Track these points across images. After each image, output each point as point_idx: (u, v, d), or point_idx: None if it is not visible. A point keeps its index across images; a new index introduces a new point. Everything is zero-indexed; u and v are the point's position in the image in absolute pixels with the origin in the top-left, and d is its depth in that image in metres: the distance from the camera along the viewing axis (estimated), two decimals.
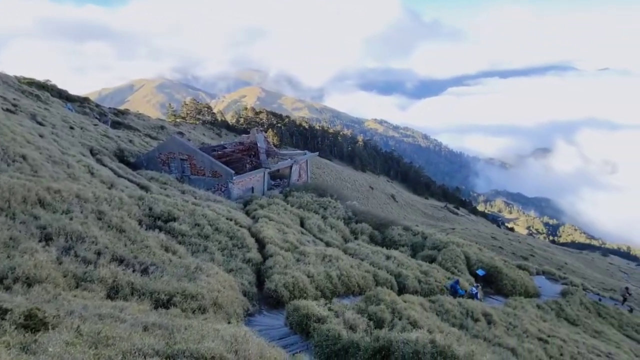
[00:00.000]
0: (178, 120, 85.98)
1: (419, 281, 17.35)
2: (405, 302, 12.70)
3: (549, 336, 13.89)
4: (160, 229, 13.67)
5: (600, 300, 25.08)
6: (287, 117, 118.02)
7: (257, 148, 36.70)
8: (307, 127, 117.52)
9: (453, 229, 68.31)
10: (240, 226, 17.67)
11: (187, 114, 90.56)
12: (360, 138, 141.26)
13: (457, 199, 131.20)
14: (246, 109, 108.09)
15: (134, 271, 9.03)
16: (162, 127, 61.26)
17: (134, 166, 29.62)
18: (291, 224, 22.22)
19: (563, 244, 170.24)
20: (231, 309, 9.67)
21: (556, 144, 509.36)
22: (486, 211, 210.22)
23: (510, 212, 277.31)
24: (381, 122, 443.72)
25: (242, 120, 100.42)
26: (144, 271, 9.44)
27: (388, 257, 19.55)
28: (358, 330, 9.10)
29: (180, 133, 58.21)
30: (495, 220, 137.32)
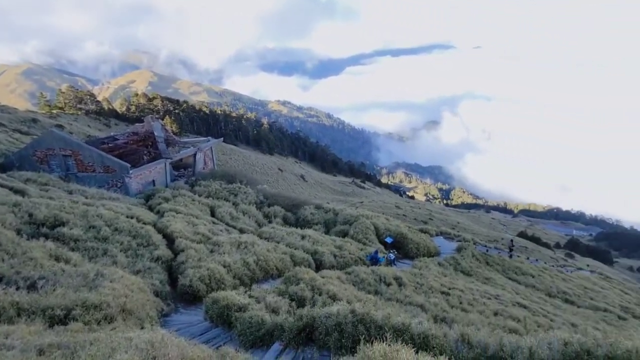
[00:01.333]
0: (54, 111, 75.08)
1: (335, 256, 18.03)
2: (323, 278, 13.12)
3: (449, 289, 15.62)
4: (47, 237, 11.99)
5: (487, 251, 28.89)
6: (185, 102, 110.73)
7: (154, 137, 33.96)
8: (208, 112, 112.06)
9: (361, 202, 72.26)
10: (144, 223, 16.34)
11: (65, 103, 79.38)
12: (265, 121, 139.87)
13: (363, 173, 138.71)
14: (137, 95, 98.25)
15: (18, 289, 7.81)
16: (35, 120, 53.08)
17: (3, 167, 25.35)
18: (201, 214, 21.26)
19: (455, 206, 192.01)
20: (143, 312, 8.98)
21: (443, 117, 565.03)
22: (389, 183, 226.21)
23: (410, 182, 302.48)
24: (285, 103, 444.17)
25: (133, 108, 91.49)
26: (31, 287, 8.22)
27: (303, 237, 19.92)
28: (281, 313, 9.16)
29: (60, 126, 51.15)
30: (397, 190, 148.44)
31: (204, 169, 35.12)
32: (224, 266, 12.94)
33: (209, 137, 42.01)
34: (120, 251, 12.89)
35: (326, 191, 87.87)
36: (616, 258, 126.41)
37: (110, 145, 31.18)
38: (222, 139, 51.75)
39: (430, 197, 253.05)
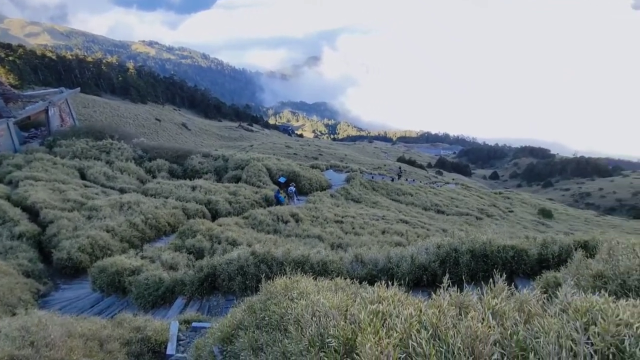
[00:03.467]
0: None
1: (230, 202, 17.76)
2: (220, 226, 12.92)
3: (342, 217, 16.84)
4: None
5: (372, 178, 31.51)
6: (21, 46, 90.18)
7: None
8: (55, 57, 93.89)
9: (251, 146, 71.26)
10: None
11: None
12: (130, 65, 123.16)
13: (249, 116, 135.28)
14: None
15: None
16: None
17: None
18: (68, 179, 18.60)
19: (342, 140, 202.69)
20: (13, 298, 7.84)
21: (324, 52, 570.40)
22: (277, 123, 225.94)
23: (297, 120, 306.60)
24: (151, 44, 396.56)
25: None
26: None
27: (194, 188, 19.05)
28: (180, 268, 8.84)
29: None
30: (286, 130, 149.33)
31: (61, 126, 30.13)
32: (107, 231, 11.77)
33: (62, 88, 35.59)
34: None
35: (213, 138, 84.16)
36: (474, 170, 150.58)
37: None
38: (78, 89, 44.17)
39: (318, 133, 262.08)
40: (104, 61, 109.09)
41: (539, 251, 5.02)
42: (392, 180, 33.10)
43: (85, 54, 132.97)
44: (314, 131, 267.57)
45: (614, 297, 1.57)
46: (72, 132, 28.06)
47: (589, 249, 4.37)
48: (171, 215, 14.54)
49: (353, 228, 15.20)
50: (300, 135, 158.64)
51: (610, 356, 1.29)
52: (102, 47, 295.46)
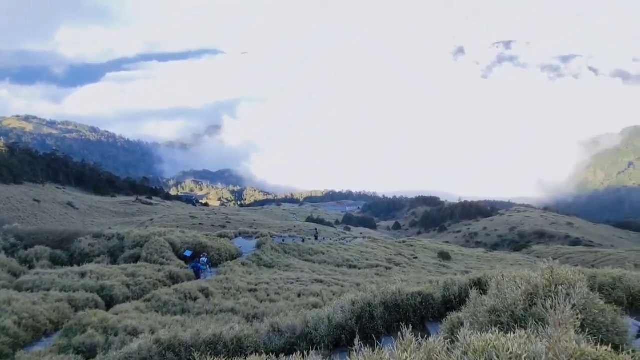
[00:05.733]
0: None
1: (128, 286, 15.88)
2: (117, 314, 11.42)
3: (256, 285, 16.15)
4: None
5: (283, 240, 31.28)
6: None
7: None
8: None
9: (151, 220, 66.34)
10: None
11: None
12: (0, 142, 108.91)
13: (148, 188, 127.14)
14: None
15: None
16: None
17: None
18: None
19: (249, 205, 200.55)
20: None
21: (224, 120, 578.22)
22: (179, 194, 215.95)
23: (202, 189, 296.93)
24: (28, 118, 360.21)
25: None
26: None
27: (83, 275, 16.70)
28: None
29: None
30: (190, 200, 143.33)
31: None
32: None
33: None
34: None
35: (106, 216, 76.61)
36: (378, 222, 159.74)
37: None
38: None
39: (225, 200, 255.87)
40: None
41: (442, 294, 5.37)
42: (303, 240, 33.29)
43: None
44: (219, 199, 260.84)
45: (507, 327, 1.73)
46: None
47: (482, 285, 4.82)
48: (54, 310, 12.37)
49: (268, 295, 14.63)
50: (206, 205, 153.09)
51: None
52: None
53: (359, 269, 25.90)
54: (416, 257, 36.13)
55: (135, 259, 21.32)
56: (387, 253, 34.91)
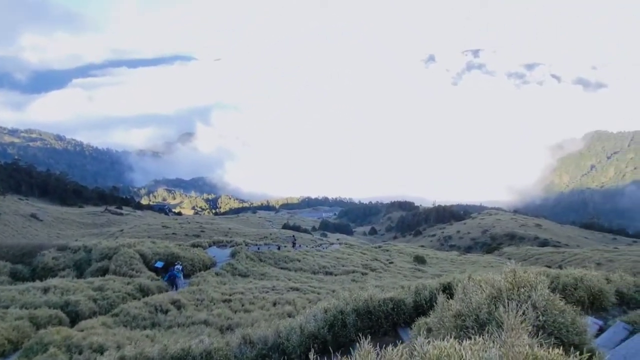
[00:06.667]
0: None
1: (95, 300, 15.22)
2: (82, 331, 10.91)
3: (230, 295, 15.82)
4: None
5: (259, 249, 30.88)
6: None
7: None
8: None
9: (121, 230, 64.22)
10: None
11: None
12: None
13: (117, 198, 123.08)
14: None
15: None
16: None
17: None
18: None
19: (224, 213, 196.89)
20: None
21: (197, 127, 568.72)
22: (151, 203, 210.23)
23: (175, 198, 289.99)
24: None
25: None
26: None
27: (46, 290, 15.90)
28: None
29: None
30: (162, 209, 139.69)
31: None
32: None
33: None
34: None
35: (73, 227, 73.57)
36: (354, 228, 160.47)
37: None
38: None
39: (199, 209, 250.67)
40: None
41: (414, 299, 5.40)
42: (279, 248, 32.99)
43: None
44: (193, 207, 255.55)
45: (472, 331, 1.73)
46: None
47: (452, 288, 4.87)
48: (13, 329, 11.69)
49: (242, 305, 14.35)
50: (179, 214, 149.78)
51: None
52: None
53: (335, 275, 25.85)
54: (392, 262, 36.44)
55: (103, 272, 20.52)
56: (364, 259, 35.05)
